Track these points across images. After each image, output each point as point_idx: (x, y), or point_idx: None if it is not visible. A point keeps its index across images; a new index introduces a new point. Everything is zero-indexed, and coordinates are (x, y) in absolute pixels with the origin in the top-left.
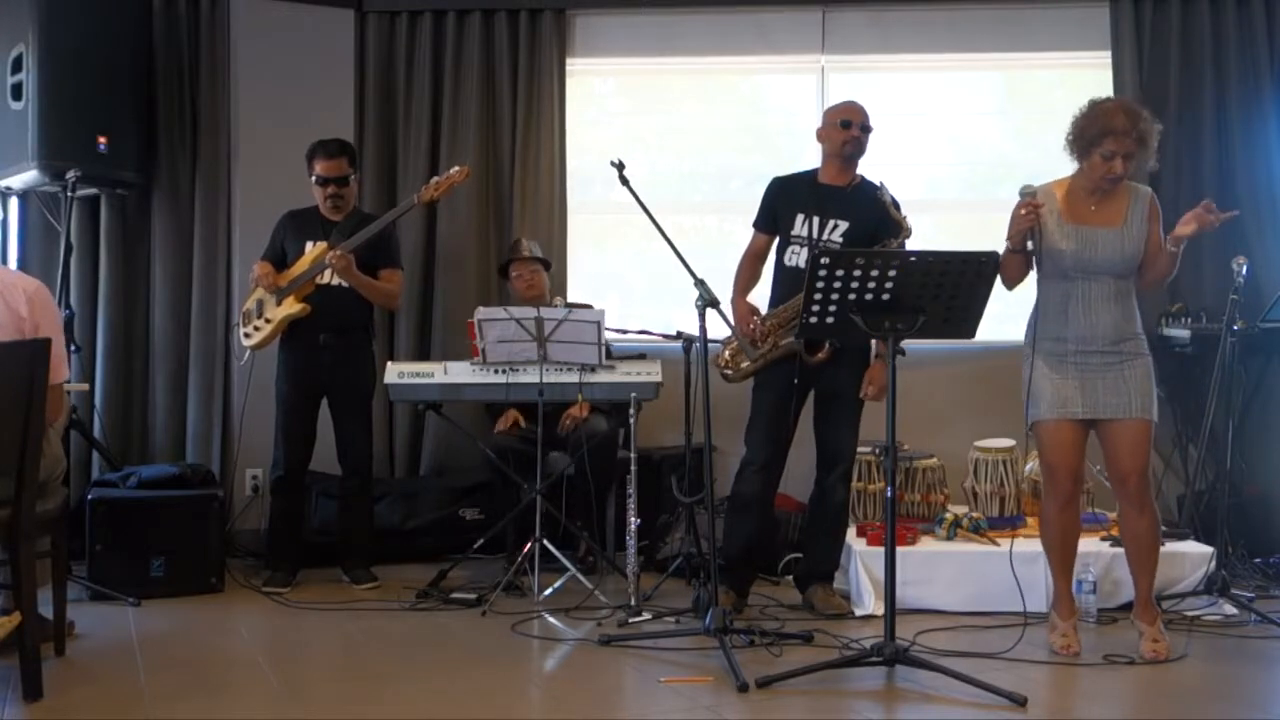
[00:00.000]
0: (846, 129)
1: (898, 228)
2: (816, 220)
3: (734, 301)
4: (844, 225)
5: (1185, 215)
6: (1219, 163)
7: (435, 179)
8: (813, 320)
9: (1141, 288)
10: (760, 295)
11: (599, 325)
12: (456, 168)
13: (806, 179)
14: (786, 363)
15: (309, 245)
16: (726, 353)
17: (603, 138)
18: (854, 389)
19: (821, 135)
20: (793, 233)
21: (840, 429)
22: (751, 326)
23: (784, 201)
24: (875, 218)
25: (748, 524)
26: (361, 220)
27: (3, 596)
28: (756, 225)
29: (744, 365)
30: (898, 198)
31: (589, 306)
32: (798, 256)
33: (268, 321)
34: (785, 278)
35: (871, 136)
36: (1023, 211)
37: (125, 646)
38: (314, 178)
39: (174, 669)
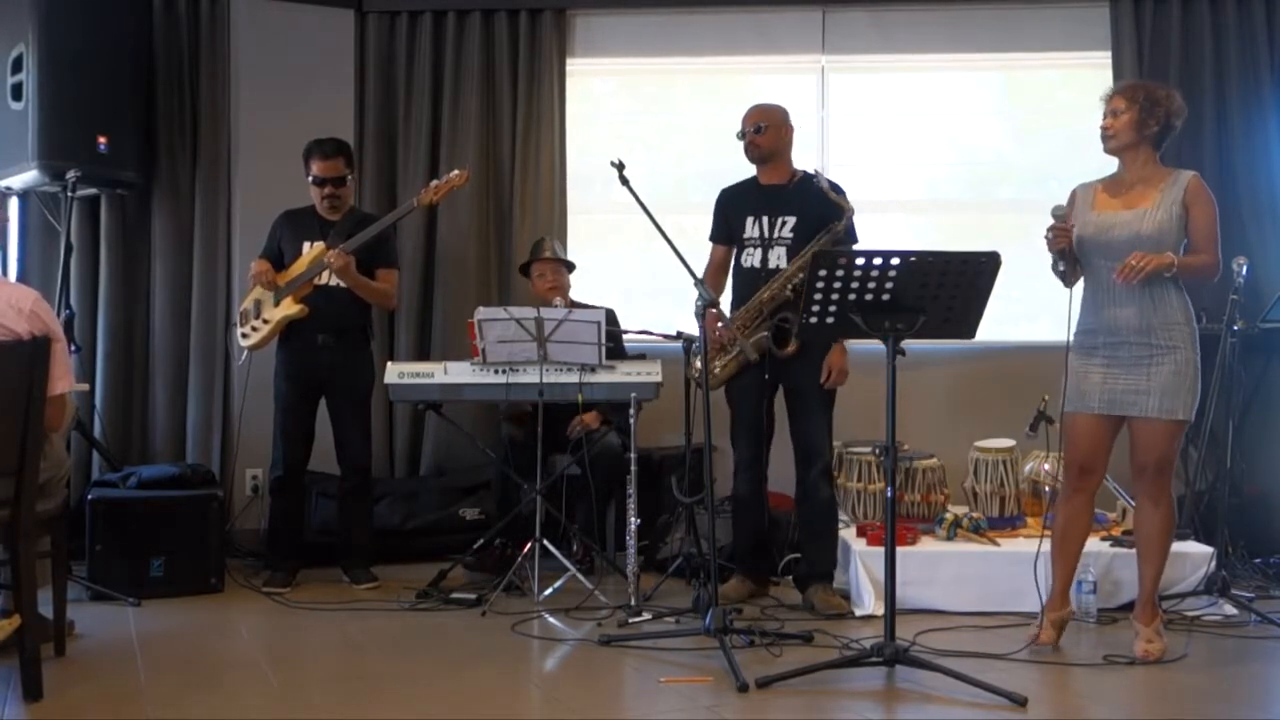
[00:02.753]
0: (742, 138)
1: (840, 211)
2: (766, 220)
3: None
4: (792, 220)
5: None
6: (1219, 163)
7: (434, 182)
8: (813, 320)
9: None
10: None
11: (599, 325)
12: (456, 171)
13: (750, 184)
14: (754, 366)
15: (306, 245)
16: (697, 362)
17: (603, 138)
18: (817, 382)
19: None
20: (745, 235)
21: (810, 424)
22: (716, 334)
23: (733, 209)
24: (820, 208)
25: (749, 519)
26: (359, 220)
27: (2, 597)
28: (712, 239)
29: (716, 371)
30: (857, 186)
31: (593, 307)
32: (752, 257)
33: (265, 322)
34: (742, 278)
35: (774, 132)
36: (1049, 235)
37: (125, 646)
38: (310, 178)
39: (174, 669)
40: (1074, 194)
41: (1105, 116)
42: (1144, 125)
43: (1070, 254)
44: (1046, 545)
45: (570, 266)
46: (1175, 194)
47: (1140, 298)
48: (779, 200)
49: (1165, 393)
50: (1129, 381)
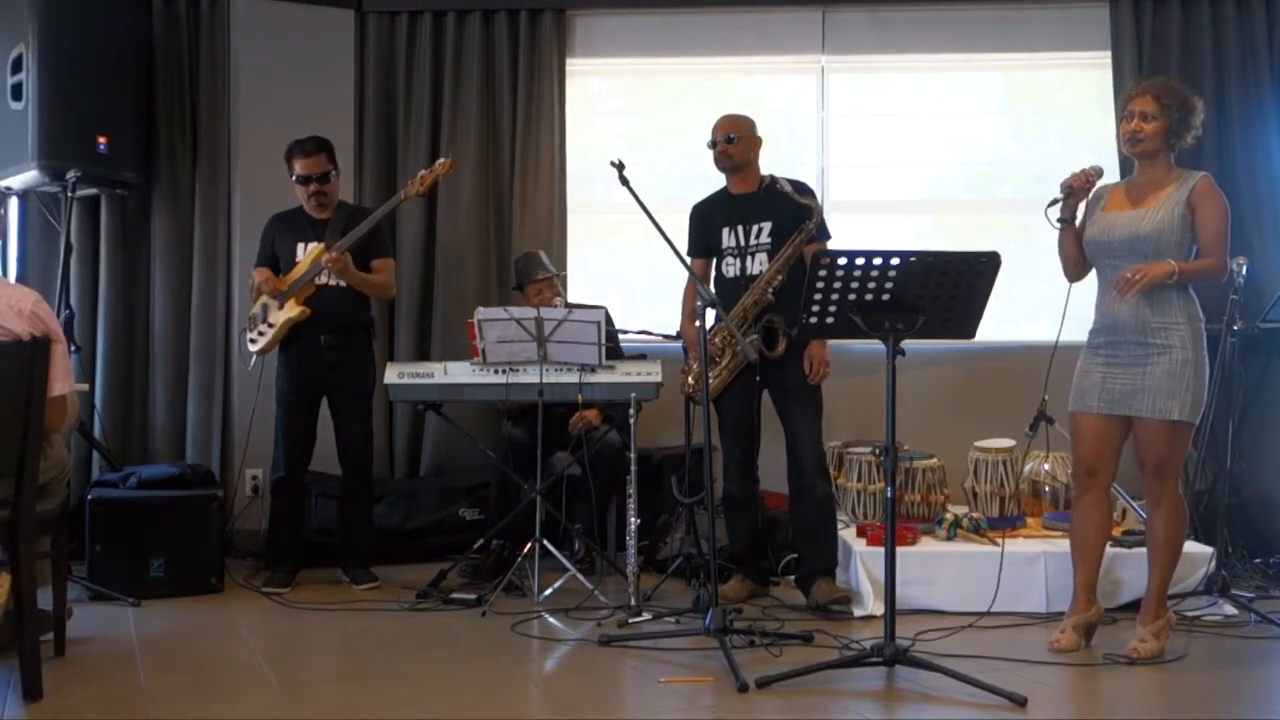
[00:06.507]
0: (713, 148)
1: (808, 211)
2: (741, 229)
3: (683, 328)
4: (768, 225)
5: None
6: (1219, 163)
7: (421, 173)
8: (813, 320)
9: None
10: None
11: (599, 325)
12: (440, 160)
13: (721, 196)
14: (741, 373)
15: (301, 247)
16: (690, 379)
17: (603, 138)
18: (804, 381)
19: None
20: (723, 246)
21: (802, 423)
22: (712, 342)
23: (708, 222)
24: (792, 210)
25: (744, 518)
26: (351, 215)
27: None
28: (691, 253)
29: (711, 382)
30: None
31: (595, 307)
32: (732, 267)
33: (270, 326)
34: (722, 289)
35: (745, 143)
36: (1070, 175)
37: (125, 647)
38: (294, 177)
39: (174, 669)
40: (1096, 193)
41: (1133, 118)
42: (1175, 135)
43: (1073, 207)
44: (1018, 546)
45: (561, 277)
46: (1182, 194)
47: (1139, 298)
48: (752, 208)
49: (1159, 392)
50: (1126, 380)
